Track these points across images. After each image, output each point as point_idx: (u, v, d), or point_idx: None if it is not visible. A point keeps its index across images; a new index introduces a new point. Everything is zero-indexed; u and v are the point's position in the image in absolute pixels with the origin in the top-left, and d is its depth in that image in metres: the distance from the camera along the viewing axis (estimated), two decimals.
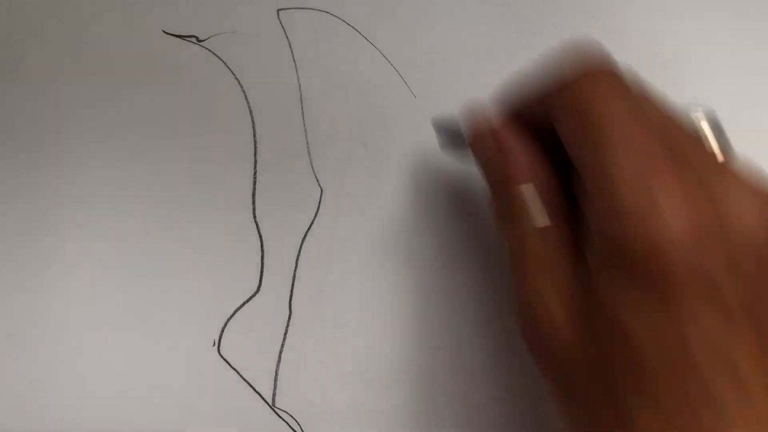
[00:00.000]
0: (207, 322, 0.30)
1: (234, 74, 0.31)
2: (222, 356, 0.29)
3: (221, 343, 0.29)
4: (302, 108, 0.32)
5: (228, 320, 0.30)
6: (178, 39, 0.31)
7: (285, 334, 0.30)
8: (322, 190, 0.31)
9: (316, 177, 0.31)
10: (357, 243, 0.31)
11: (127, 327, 0.29)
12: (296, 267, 0.30)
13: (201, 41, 0.32)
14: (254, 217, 0.31)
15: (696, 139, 0.23)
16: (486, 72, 0.33)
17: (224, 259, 0.30)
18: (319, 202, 0.31)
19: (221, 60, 0.31)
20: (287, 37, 0.32)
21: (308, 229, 0.31)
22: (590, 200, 0.22)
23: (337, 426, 0.29)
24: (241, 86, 0.31)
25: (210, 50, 0.31)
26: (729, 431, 0.19)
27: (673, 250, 0.20)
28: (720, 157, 0.23)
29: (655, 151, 0.21)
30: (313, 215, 0.31)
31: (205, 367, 0.29)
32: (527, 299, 0.23)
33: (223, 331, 0.30)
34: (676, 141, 0.22)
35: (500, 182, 0.25)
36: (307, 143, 0.31)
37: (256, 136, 0.31)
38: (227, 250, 0.30)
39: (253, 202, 0.31)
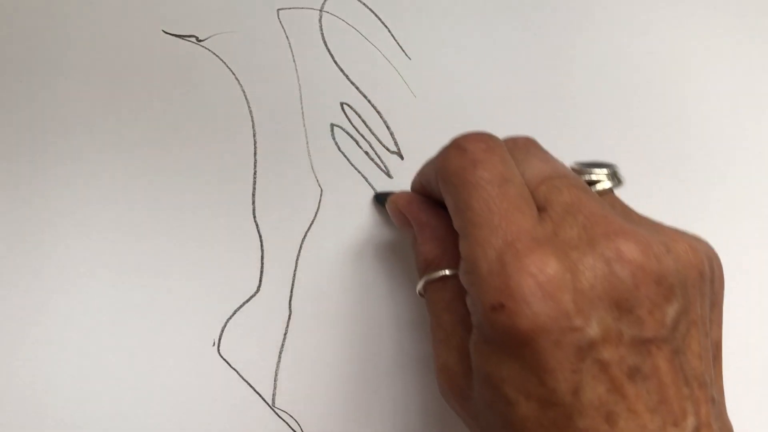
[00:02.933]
0: (207, 322, 0.30)
1: (234, 74, 0.31)
2: (222, 356, 0.29)
3: (221, 343, 0.29)
4: (302, 108, 0.32)
5: (228, 320, 0.30)
6: (178, 39, 0.31)
7: (285, 334, 0.30)
8: (322, 190, 0.31)
9: (316, 177, 0.31)
10: (357, 243, 0.31)
11: (127, 327, 0.29)
12: (296, 267, 0.30)
13: (201, 41, 0.32)
14: (254, 217, 0.31)
15: (570, 197, 0.23)
16: (486, 72, 0.33)
17: (224, 259, 0.30)
18: (319, 202, 0.31)
19: (221, 60, 0.31)
20: (287, 37, 0.32)
21: (308, 229, 0.31)
22: (461, 271, 0.23)
23: (337, 426, 0.29)
24: (241, 86, 0.31)
25: (210, 50, 0.31)
26: None
27: (527, 322, 0.20)
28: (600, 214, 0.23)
29: (514, 229, 0.21)
30: (313, 215, 0.31)
31: (205, 367, 0.29)
32: (435, 352, 0.25)
33: (223, 331, 0.30)
34: (548, 202, 0.23)
35: (412, 246, 0.28)
36: (307, 143, 0.31)
37: (256, 136, 0.31)
38: (227, 250, 0.30)
39: (253, 202, 0.31)
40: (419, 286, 0.26)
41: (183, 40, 0.31)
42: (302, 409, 0.29)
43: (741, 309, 0.32)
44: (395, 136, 0.32)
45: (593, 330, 0.20)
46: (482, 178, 0.22)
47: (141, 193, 0.30)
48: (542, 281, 0.20)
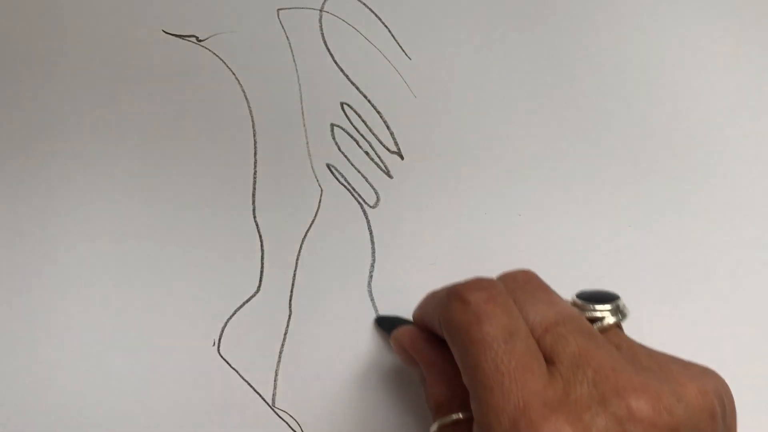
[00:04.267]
0: (207, 322, 0.30)
1: (234, 74, 0.31)
2: (222, 356, 0.29)
3: (221, 343, 0.29)
4: (302, 108, 0.32)
5: (228, 320, 0.30)
6: (178, 39, 0.31)
7: (285, 334, 0.30)
8: (322, 190, 0.31)
9: (316, 177, 0.31)
10: (356, 242, 0.31)
11: (127, 327, 0.29)
12: (296, 267, 0.30)
13: (201, 41, 0.32)
14: (254, 217, 0.31)
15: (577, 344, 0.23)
16: (486, 72, 0.33)
17: (224, 259, 0.30)
18: (319, 202, 0.31)
19: (221, 60, 0.31)
20: (287, 37, 0.32)
21: (308, 229, 0.31)
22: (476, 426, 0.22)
23: (337, 426, 0.29)
24: (241, 86, 0.31)
25: (210, 50, 0.31)
26: None
27: None
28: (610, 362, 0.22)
29: (526, 392, 0.21)
30: (313, 215, 0.31)
31: (205, 367, 0.29)
32: None
33: (223, 331, 0.30)
34: (555, 354, 0.22)
35: (420, 382, 0.27)
36: (307, 143, 0.31)
37: (256, 136, 0.31)
38: (227, 250, 0.30)
39: (253, 202, 0.31)
40: (433, 429, 0.26)
41: (183, 40, 0.31)
42: (302, 409, 0.29)
43: (741, 309, 0.32)
44: (395, 136, 0.32)
45: None
46: (488, 335, 0.22)
47: (141, 192, 0.30)
48: None
